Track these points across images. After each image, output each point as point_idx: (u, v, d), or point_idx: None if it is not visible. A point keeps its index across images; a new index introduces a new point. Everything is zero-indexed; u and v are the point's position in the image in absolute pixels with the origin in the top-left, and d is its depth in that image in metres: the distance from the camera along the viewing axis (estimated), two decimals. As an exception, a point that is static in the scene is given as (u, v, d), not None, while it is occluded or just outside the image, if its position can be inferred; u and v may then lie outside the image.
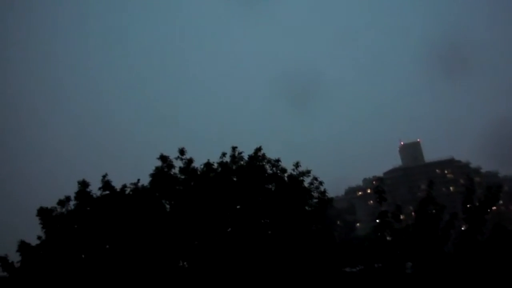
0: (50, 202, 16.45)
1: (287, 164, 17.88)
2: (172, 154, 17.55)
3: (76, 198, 16.54)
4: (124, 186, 16.93)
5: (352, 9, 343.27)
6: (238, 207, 16.98)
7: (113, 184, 16.89)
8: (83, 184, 16.70)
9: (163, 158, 17.43)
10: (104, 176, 16.83)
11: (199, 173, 17.44)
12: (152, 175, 17.05)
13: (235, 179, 17.45)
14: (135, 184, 17.00)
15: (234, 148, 18.08)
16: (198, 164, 17.64)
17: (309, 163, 17.96)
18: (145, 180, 17.18)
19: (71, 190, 16.74)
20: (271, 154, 17.84)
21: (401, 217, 15.07)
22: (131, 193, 16.86)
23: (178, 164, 17.56)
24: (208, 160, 17.66)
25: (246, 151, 18.04)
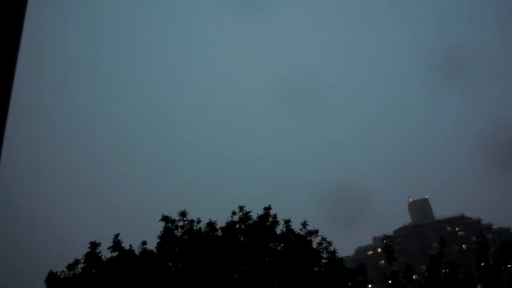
0: (62, 262, 16.37)
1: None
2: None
3: (85, 260, 16.40)
4: (133, 247, 16.90)
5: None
6: (245, 267, 16.64)
7: (122, 241, 16.96)
8: (93, 245, 16.64)
9: (166, 219, 17.42)
10: (116, 236, 16.89)
11: (203, 233, 17.32)
12: (160, 237, 17.02)
13: (242, 239, 17.26)
14: (143, 246, 16.99)
15: (241, 208, 18.03)
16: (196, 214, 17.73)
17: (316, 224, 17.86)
18: (151, 238, 17.22)
19: (83, 248, 16.71)
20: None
21: (414, 276, 14.65)
22: (140, 253, 16.79)
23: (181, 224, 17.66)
24: (210, 219, 17.66)
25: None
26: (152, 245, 17.23)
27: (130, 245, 17.00)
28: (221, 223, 17.77)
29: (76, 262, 16.38)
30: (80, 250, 16.78)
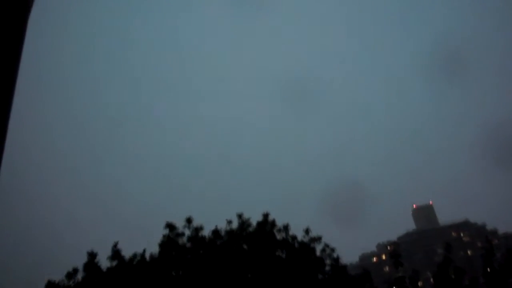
0: (59, 268, 16.26)
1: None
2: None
3: (84, 269, 16.28)
4: (134, 256, 16.71)
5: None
6: (249, 275, 16.53)
7: (122, 250, 16.80)
8: (91, 255, 16.51)
9: (170, 226, 17.34)
10: (115, 245, 16.72)
11: (207, 240, 17.23)
12: (160, 245, 16.90)
13: (245, 246, 17.16)
14: (142, 254, 16.79)
15: (240, 216, 17.94)
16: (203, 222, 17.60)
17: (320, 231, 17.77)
18: (153, 247, 17.09)
19: (82, 257, 16.62)
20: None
21: (419, 283, 14.53)
22: (139, 262, 16.60)
23: (186, 232, 17.52)
24: (216, 227, 17.56)
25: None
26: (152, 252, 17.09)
27: (134, 254, 16.83)
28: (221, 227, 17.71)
29: (75, 271, 16.18)
30: (79, 255, 16.64)
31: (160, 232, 17.36)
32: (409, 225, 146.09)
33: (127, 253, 16.87)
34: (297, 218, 18.41)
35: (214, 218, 18.38)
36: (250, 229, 17.64)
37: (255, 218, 17.91)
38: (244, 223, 17.74)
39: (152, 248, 17.13)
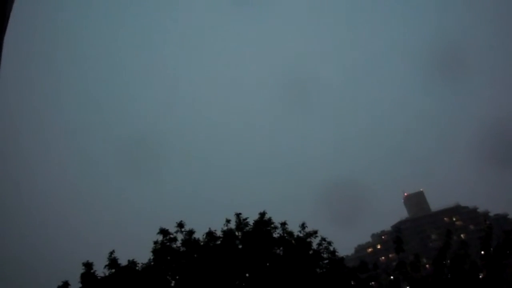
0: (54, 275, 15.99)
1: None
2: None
3: (81, 281, 16.08)
4: (131, 263, 16.55)
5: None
6: (247, 275, 16.50)
7: (119, 259, 16.59)
8: (87, 266, 16.32)
9: (164, 231, 17.21)
10: (111, 253, 16.57)
11: (201, 243, 17.16)
12: (154, 251, 16.78)
13: (240, 246, 17.13)
14: (132, 263, 16.61)
15: (238, 215, 17.91)
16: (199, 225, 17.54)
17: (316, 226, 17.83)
18: (143, 253, 16.94)
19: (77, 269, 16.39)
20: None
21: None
22: (135, 269, 16.47)
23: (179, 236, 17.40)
24: (210, 229, 17.49)
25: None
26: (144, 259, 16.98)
27: (133, 260, 16.65)
28: (218, 229, 17.65)
29: (66, 284, 15.94)
30: (74, 261, 16.40)
31: (150, 238, 17.21)
32: (402, 213, 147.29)
33: (123, 260, 16.70)
34: (292, 217, 18.40)
35: (208, 221, 18.31)
36: (247, 228, 17.61)
37: (253, 218, 17.90)
38: (241, 223, 17.71)
39: (144, 254, 17.00)
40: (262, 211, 17.91)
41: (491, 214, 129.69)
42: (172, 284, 16.45)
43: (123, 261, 16.65)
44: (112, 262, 16.40)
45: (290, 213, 18.87)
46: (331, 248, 17.33)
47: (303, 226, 17.62)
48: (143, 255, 17.08)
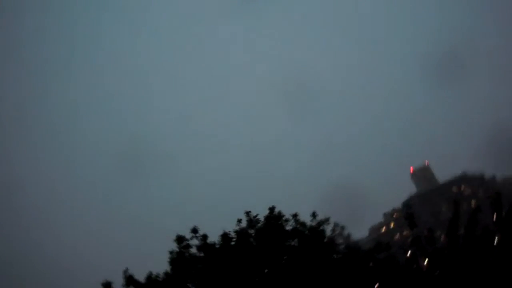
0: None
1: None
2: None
3: None
4: (148, 277, 16.58)
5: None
6: (265, 270, 16.57)
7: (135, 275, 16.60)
8: (107, 286, 16.37)
9: (179, 239, 17.22)
10: (125, 271, 16.56)
11: (217, 246, 17.18)
12: (171, 261, 16.80)
13: (255, 243, 17.17)
14: (149, 276, 16.66)
15: (248, 213, 17.92)
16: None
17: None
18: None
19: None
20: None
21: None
22: (155, 282, 16.52)
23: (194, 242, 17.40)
24: (224, 231, 17.45)
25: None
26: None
27: (150, 275, 16.66)
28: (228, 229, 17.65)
29: None
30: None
31: (148, 243, 17.13)
32: (412, 189, 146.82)
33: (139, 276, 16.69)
34: (301, 210, 18.36)
35: (217, 223, 18.28)
36: (259, 225, 17.63)
37: (263, 214, 17.87)
38: (252, 221, 17.73)
39: (159, 263, 17.01)
40: (271, 206, 17.90)
41: (499, 178, 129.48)
42: None
43: (137, 275, 16.69)
44: (129, 279, 16.41)
45: (298, 207, 18.83)
46: (346, 233, 17.42)
47: (314, 215, 17.65)
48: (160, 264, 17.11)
